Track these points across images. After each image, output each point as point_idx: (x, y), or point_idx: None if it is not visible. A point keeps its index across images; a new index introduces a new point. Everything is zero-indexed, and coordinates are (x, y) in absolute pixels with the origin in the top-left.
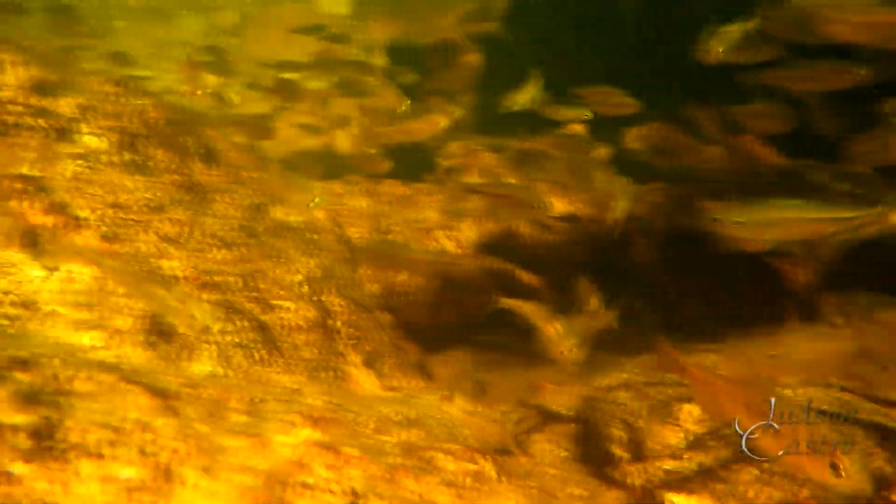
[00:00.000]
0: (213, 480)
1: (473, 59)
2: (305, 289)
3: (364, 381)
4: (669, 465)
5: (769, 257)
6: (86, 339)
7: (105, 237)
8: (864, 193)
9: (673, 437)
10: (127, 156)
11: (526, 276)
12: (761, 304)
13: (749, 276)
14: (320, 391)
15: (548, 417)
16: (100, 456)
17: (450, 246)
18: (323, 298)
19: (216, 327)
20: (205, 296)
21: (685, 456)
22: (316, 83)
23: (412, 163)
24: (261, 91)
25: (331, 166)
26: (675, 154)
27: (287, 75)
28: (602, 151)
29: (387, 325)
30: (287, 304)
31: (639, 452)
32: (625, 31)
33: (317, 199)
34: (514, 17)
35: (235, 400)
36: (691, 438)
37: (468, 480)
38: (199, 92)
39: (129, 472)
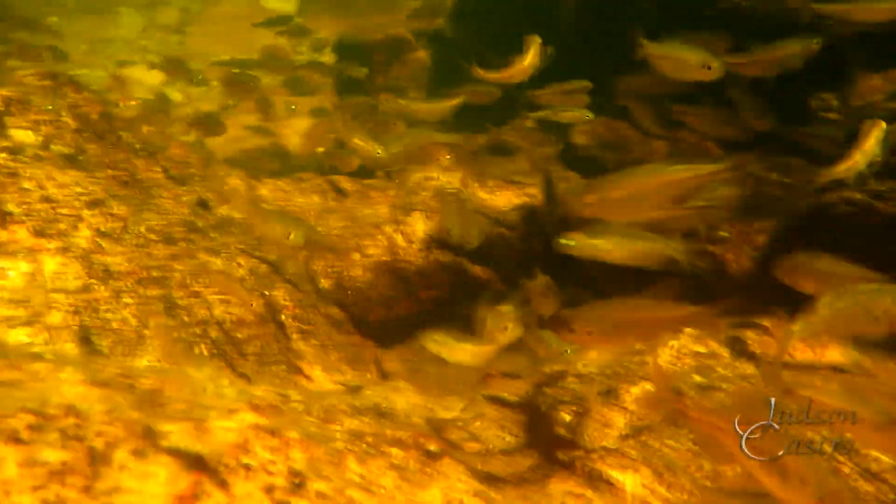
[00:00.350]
0: (146, 463)
1: (422, 55)
2: (250, 283)
3: (312, 374)
4: (612, 444)
5: (706, 242)
6: (11, 335)
7: (35, 232)
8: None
9: (616, 417)
10: (59, 150)
11: (476, 269)
12: (702, 290)
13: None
14: (266, 383)
15: (497, 404)
16: (18, 441)
17: (399, 240)
18: (268, 293)
19: (153, 322)
20: (141, 291)
21: (626, 434)
22: (262, 80)
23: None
24: (204, 88)
25: (283, 164)
26: (622, 148)
27: (233, 72)
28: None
29: (336, 319)
30: (231, 298)
31: (584, 434)
32: (573, 26)
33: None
34: (461, 13)
35: (172, 389)
36: (631, 418)
37: (414, 464)
38: (132, 102)
39: (51, 456)
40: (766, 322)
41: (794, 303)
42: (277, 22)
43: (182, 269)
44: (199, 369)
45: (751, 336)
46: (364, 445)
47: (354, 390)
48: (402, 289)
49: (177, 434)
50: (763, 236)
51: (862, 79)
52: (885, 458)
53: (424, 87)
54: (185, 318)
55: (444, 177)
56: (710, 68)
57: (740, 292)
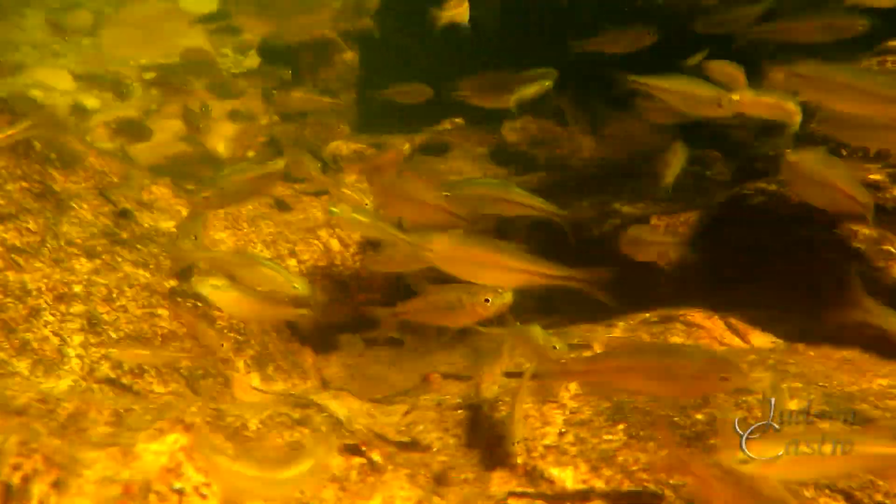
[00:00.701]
0: (68, 495)
1: (350, 56)
2: (179, 294)
3: (248, 385)
4: (550, 441)
5: None
6: None
7: None
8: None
9: (555, 415)
10: None
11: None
12: (634, 287)
13: (617, 262)
14: (199, 399)
15: (438, 406)
16: None
17: (335, 245)
18: (200, 303)
19: (77, 340)
20: (62, 308)
21: (563, 430)
22: (185, 84)
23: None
24: (124, 93)
25: (211, 170)
26: (551, 144)
27: (149, 76)
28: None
29: (272, 328)
30: (160, 311)
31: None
32: (500, 25)
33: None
34: (388, 13)
35: (97, 412)
36: (569, 414)
37: (355, 475)
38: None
39: None
40: (693, 313)
41: (719, 294)
42: (203, 23)
43: (106, 283)
44: (128, 388)
45: (679, 327)
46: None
47: (294, 400)
48: (340, 294)
49: (102, 461)
50: (686, 228)
51: (769, 71)
52: None
53: (353, 88)
54: (112, 335)
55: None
56: (721, 105)
57: (668, 283)
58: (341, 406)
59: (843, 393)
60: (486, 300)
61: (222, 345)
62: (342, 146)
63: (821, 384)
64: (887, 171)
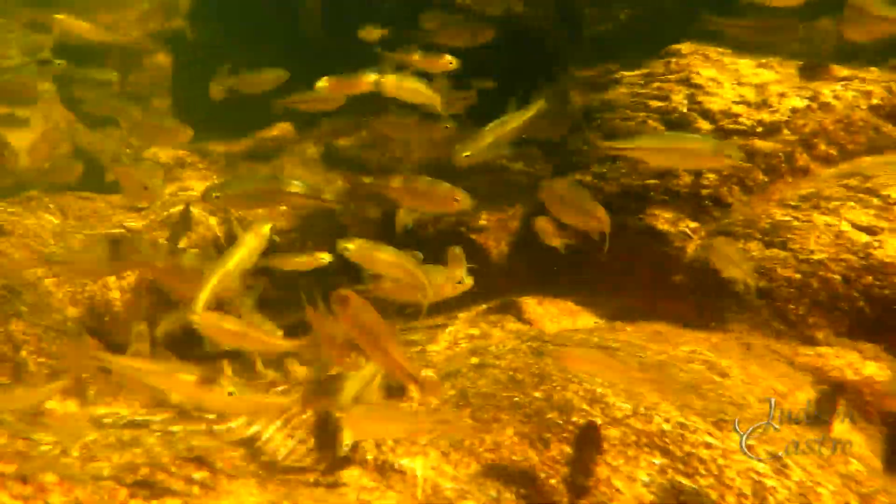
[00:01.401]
0: None
1: (162, 59)
2: None
3: (66, 411)
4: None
5: (470, 233)
6: None
7: None
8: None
9: (402, 407)
10: None
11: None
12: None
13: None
14: (8, 430)
15: (283, 413)
16: None
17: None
18: (7, 328)
19: None
20: None
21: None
22: None
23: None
24: None
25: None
26: (382, 147)
27: None
28: (311, 149)
29: (89, 349)
30: None
31: None
32: (316, 24)
33: None
34: (201, 14)
35: None
36: (417, 406)
37: (199, 489)
38: None
39: None
40: (527, 300)
41: (548, 281)
42: None
43: None
44: None
45: (513, 314)
46: (139, 477)
47: (124, 422)
48: (170, 307)
49: None
50: (516, 222)
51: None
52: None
53: (168, 93)
54: None
55: (200, 186)
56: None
57: (502, 275)
58: (180, 423)
59: (655, 361)
60: (459, 282)
61: None
62: (160, 153)
63: (638, 355)
64: None
